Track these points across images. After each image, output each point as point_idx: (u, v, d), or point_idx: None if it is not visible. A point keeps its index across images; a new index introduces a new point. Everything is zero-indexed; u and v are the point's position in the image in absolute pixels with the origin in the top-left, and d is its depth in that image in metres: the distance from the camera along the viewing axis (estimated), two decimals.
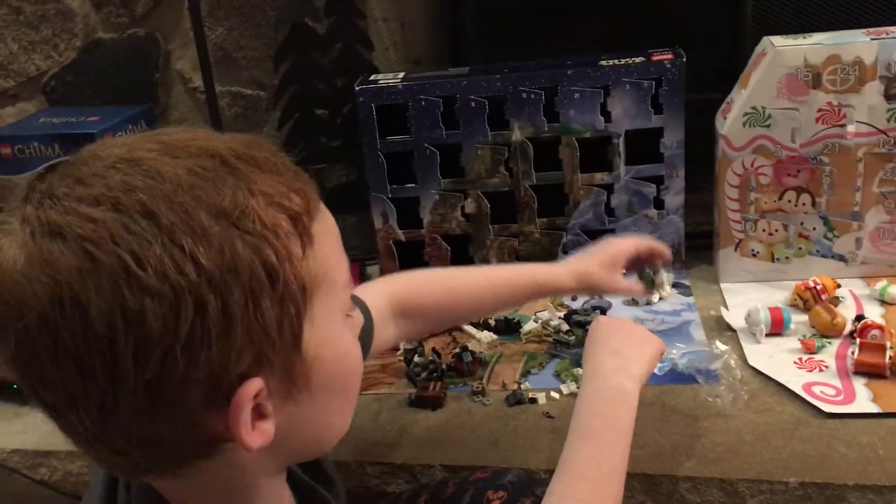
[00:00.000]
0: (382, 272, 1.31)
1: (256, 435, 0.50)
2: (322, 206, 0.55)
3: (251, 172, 0.49)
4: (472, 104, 1.19)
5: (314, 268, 0.51)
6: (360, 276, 1.31)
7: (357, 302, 0.83)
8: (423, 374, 1.04)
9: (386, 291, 0.91)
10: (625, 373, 0.76)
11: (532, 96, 1.18)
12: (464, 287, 0.97)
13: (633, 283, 1.07)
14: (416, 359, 1.07)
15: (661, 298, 1.18)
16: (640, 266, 1.07)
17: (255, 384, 0.48)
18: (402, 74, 1.26)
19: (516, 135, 1.21)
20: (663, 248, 1.06)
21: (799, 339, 1.03)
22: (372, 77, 1.26)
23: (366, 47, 1.45)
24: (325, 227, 0.54)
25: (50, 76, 1.63)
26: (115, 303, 0.44)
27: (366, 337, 0.82)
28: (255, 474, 0.55)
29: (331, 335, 0.54)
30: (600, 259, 1.00)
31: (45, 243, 0.45)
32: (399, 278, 0.97)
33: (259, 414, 0.50)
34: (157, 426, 0.47)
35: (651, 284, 1.09)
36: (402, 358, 1.09)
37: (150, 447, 0.48)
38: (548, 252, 1.26)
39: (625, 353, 0.78)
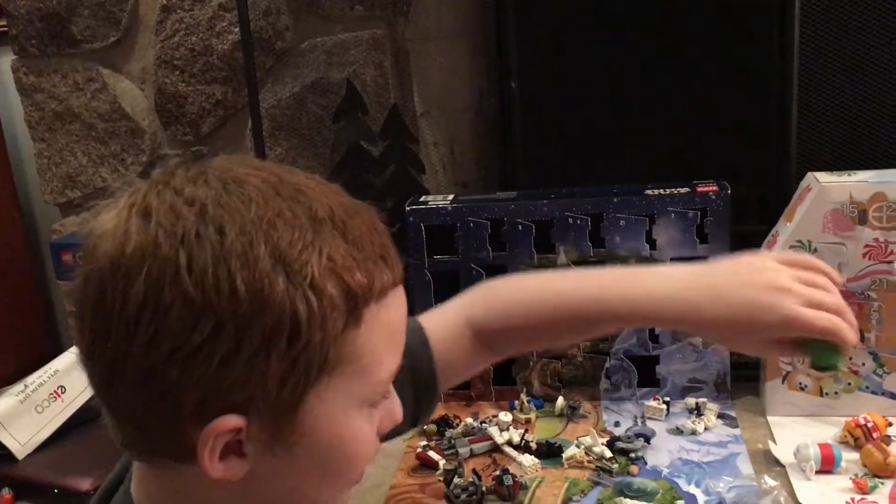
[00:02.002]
0: None
1: (221, 467, 0.51)
2: (395, 298, 0.55)
3: (332, 236, 0.51)
4: (519, 227, 1.22)
5: (349, 348, 0.52)
6: None
7: (415, 331, 0.77)
8: (463, 496, 1.02)
9: (463, 315, 0.80)
10: None
11: (578, 221, 1.21)
12: (553, 311, 0.78)
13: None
14: (456, 480, 1.05)
15: (706, 429, 1.16)
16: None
17: (232, 421, 0.50)
18: (451, 196, 1.30)
19: (562, 258, 1.23)
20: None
21: (850, 478, 1.00)
22: (422, 198, 1.31)
23: (417, 170, 1.50)
24: (384, 318, 0.54)
25: (114, 189, 1.70)
26: (154, 291, 0.48)
27: (424, 367, 0.77)
28: None
29: (338, 417, 0.54)
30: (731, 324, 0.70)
31: (133, 219, 0.50)
32: (478, 300, 0.81)
33: (236, 450, 0.52)
34: (147, 410, 0.51)
35: (828, 364, 0.69)
36: (441, 479, 1.08)
37: (136, 424, 0.52)
38: (591, 376, 1.26)
39: None
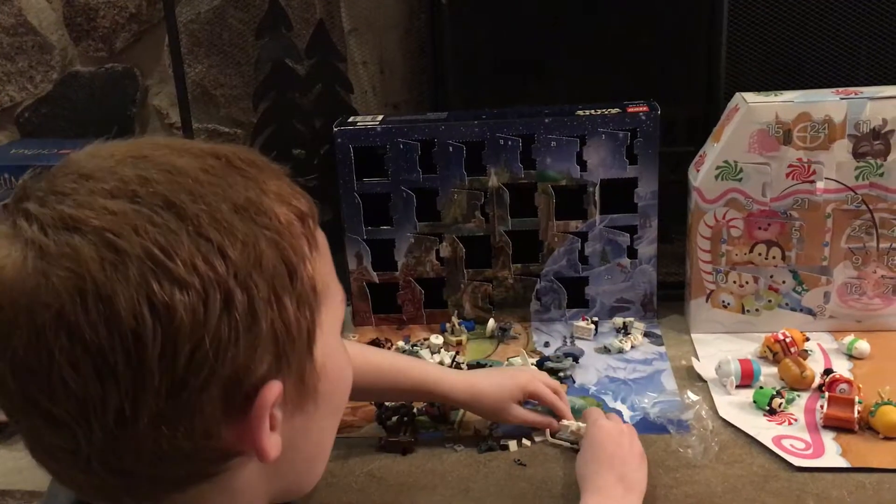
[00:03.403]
0: (355, 314, 1.30)
1: (276, 443, 0.48)
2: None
3: (257, 173, 0.49)
4: (450, 149, 1.20)
5: (318, 275, 0.50)
6: None
7: None
8: (394, 419, 1.02)
9: None
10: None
11: (510, 143, 1.19)
12: (363, 366, 0.92)
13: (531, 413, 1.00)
14: (388, 403, 1.06)
15: (633, 347, 1.18)
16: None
17: (276, 387, 0.46)
18: (380, 117, 1.27)
19: (493, 180, 1.22)
20: (564, 408, 1.00)
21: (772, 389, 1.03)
22: (351, 119, 1.27)
23: (345, 89, 1.46)
24: (324, 243, 0.53)
25: (24, 108, 1.62)
26: (143, 294, 0.41)
27: None
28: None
29: (333, 346, 0.53)
30: (498, 387, 0.98)
31: (60, 236, 0.42)
32: None
33: (270, 424, 0.48)
34: (173, 436, 0.44)
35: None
36: (373, 402, 1.08)
37: (159, 464, 0.45)
38: (521, 298, 1.27)
39: (629, 479, 0.84)
